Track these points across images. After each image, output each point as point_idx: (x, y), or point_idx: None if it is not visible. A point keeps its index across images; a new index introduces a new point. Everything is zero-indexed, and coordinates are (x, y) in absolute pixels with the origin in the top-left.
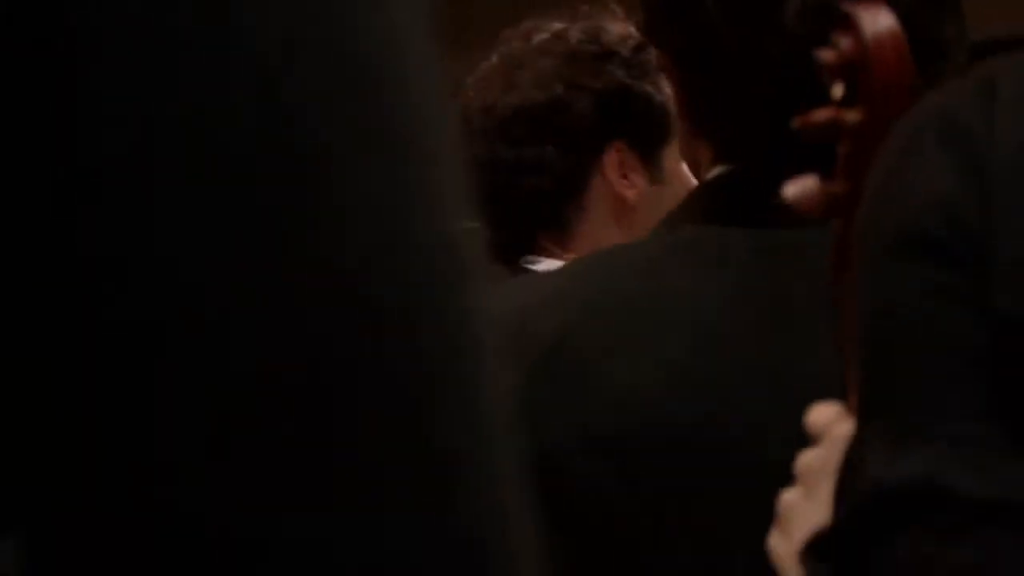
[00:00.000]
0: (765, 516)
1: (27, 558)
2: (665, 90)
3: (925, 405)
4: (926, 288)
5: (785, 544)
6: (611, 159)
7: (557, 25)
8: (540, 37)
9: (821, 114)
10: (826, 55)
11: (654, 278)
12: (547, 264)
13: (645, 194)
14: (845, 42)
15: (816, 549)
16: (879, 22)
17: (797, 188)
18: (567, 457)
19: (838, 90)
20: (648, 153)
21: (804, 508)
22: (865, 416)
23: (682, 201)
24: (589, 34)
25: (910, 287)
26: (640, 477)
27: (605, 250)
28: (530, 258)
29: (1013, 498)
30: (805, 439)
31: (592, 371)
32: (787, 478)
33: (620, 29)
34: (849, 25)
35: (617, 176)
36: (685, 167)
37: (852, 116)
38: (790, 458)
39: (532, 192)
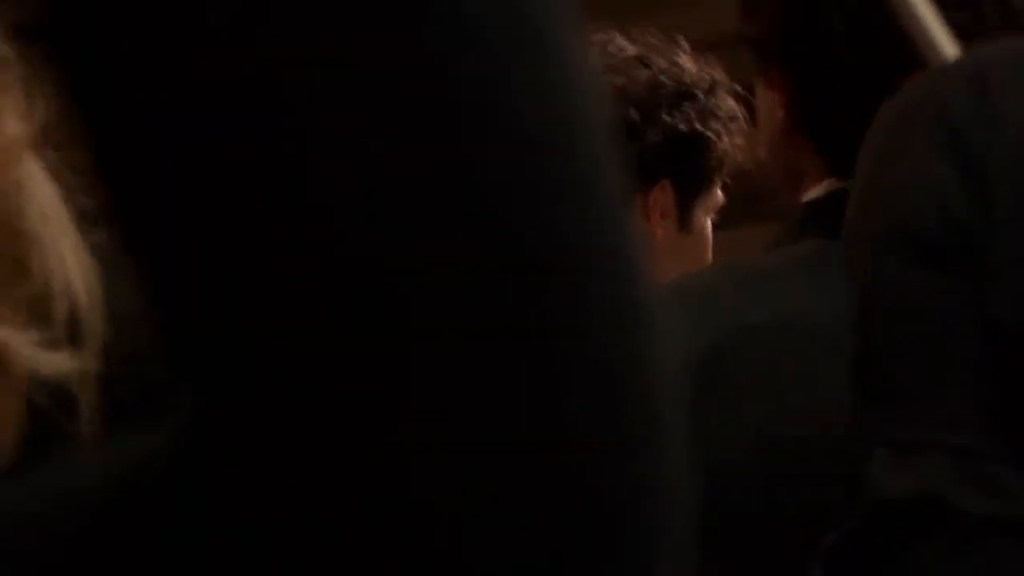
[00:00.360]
0: None
1: (179, 450)
2: (725, 137)
3: (922, 412)
4: (921, 289)
5: None
6: (655, 196)
7: (631, 46)
8: (617, 53)
9: None
10: None
11: (794, 295)
12: None
13: (668, 237)
14: None
15: (826, 562)
16: None
17: None
18: (725, 477)
19: None
20: (686, 198)
21: None
22: (863, 419)
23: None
24: (671, 64)
25: (905, 288)
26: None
27: (729, 265)
28: None
29: (1014, 513)
30: None
31: (749, 389)
32: None
33: (694, 67)
34: None
35: (656, 214)
36: (709, 223)
37: None
38: None
39: None
